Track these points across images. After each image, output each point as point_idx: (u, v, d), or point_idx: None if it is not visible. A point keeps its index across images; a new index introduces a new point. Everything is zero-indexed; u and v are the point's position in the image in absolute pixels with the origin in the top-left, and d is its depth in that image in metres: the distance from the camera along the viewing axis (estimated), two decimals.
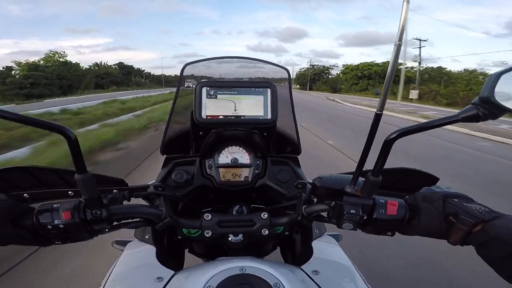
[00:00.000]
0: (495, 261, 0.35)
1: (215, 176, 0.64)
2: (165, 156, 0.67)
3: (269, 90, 0.56)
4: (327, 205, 0.47)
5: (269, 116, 0.56)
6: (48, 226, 0.41)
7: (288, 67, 0.68)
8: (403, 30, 0.32)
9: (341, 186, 0.46)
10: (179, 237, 0.65)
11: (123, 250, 0.69)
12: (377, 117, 0.36)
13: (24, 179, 0.52)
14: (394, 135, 0.37)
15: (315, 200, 0.52)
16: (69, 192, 0.53)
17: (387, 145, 0.37)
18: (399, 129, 0.37)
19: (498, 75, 0.34)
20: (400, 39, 0.32)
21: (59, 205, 0.42)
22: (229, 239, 0.61)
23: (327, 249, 0.59)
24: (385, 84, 0.35)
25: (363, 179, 0.43)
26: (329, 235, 0.66)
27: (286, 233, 0.66)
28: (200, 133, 0.66)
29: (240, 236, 0.61)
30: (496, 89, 0.33)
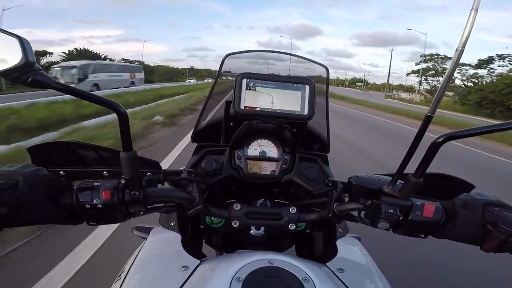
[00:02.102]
0: None
1: (243, 168, 0.64)
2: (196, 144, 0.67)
3: (307, 87, 0.56)
4: (361, 204, 0.47)
5: (306, 112, 0.56)
6: (87, 205, 0.40)
7: None
8: (468, 37, 0.32)
9: (378, 186, 0.46)
10: (201, 226, 0.66)
11: (143, 237, 0.69)
12: (427, 120, 0.36)
13: (63, 155, 0.52)
14: (441, 139, 0.37)
15: (346, 199, 0.53)
16: (104, 172, 0.53)
17: (434, 148, 0.37)
18: (448, 132, 0.37)
19: None
20: (463, 45, 0.32)
21: (99, 183, 0.42)
22: (251, 232, 0.62)
23: (351, 248, 0.59)
24: (441, 87, 0.35)
25: (401, 182, 0.43)
26: (352, 236, 0.66)
27: (308, 230, 0.67)
28: (231, 124, 0.66)
29: (262, 230, 0.62)
30: None
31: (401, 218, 0.44)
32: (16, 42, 0.35)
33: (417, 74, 37.17)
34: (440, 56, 35.54)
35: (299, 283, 0.39)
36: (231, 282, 0.38)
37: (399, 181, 0.43)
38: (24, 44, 0.34)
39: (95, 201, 0.40)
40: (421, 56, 36.20)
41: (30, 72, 0.34)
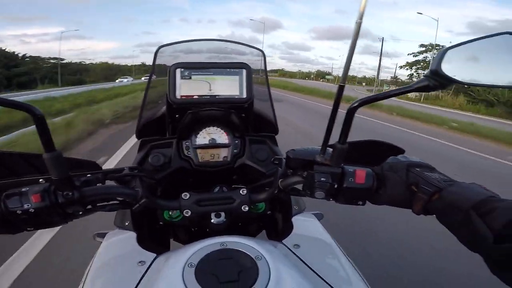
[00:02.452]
0: (454, 228, 0.36)
1: (193, 158, 0.64)
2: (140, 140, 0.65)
3: (244, 71, 0.57)
4: (300, 176, 0.49)
5: (245, 95, 0.57)
6: (18, 211, 0.39)
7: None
8: (364, 9, 0.34)
9: (312, 157, 0.46)
10: (160, 222, 0.65)
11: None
12: (340, 89, 0.39)
13: None
14: (356, 104, 0.40)
15: (290, 173, 0.54)
16: (40, 180, 0.50)
17: (350, 113, 0.40)
18: (360, 98, 0.40)
19: (445, 50, 0.38)
20: (361, 17, 0.34)
21: (27, 188, 0.40)
22: (212, 220, 0.62)
23: (307, 224, 0.61)
24: (347, 60, 0.38)
25: (330, 148, 0.44)
26: (311, 213, 0.68)
27: (269, 212, 0.68)
28: (177, 115, 0.65)
29: (223, 216, 0.61)
30: (443, 62, 0.38)
31: (335, 185, 0.45)
32: None
33: (407, 67, 35.77)
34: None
35: (252, 262, 0.40)
36: (183, 268, 0.39)
37: (330, 150, 0.45)
38: None
39: (25, 206, 0.39)
40: (420, 46, 34.37)
41: None
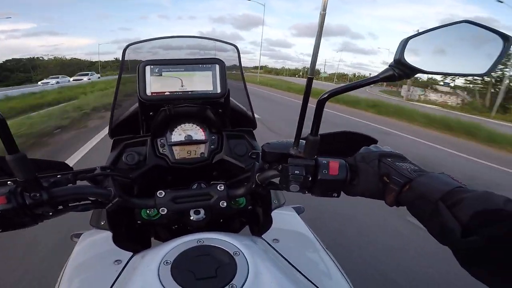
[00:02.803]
0: (424, 219, 0.35)
1: (169, 155, 0.63)
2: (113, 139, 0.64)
3: (217, 66, 0.56)
4: (275, 170, 0.48)
5: (219, 90, 0.56)
6: None
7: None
8: (327, 0, 0.34)
9: (287, 150, 0.46)
10: (138, 221, 0.64)
11: None
12: (309, 81, 0.39)
13: None
14: (325, 95, 0.40)
15: (267, 167, 0.54)
16: (8, 182, 0.48)
17: (320, 105, 0.40)
18: (329, 90, 0.40)
19: (407, 39, 0.39)
20: (324, 8, 0.34)
21: None
22: (191, 218, 0.61)
23: (286, 218, 0.61)
24: (314, 50, 0.38)
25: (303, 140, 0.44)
26: (292, 207, 0.68)
27: (250, 207, 0.67)
28: (151, 113, 0.64)
29: (202, 213, 0.60)
30: (406, 52, 0.38)
31: (310, 178, 0.44)
32: None
33: None
34: None
35: (229, 257, 0.40)
36: (159, 266, 0.38)
37: (302, 142, 0.44)
38: None
39: None
40: None
41: None
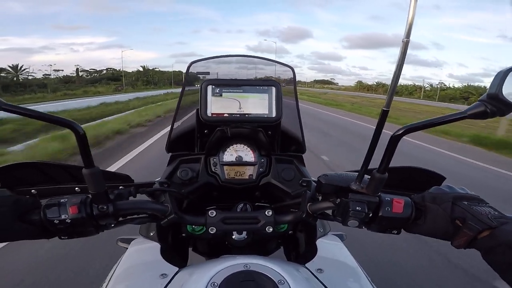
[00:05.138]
0: (502, 267, 0.35)
1: (220, 174, 0.64)
2: (170, 154, 0.67)
3: (273, 89, 0.56)
4: (332, 203, 0.47)
5: (274, 114, 0.56)
6: (55, 221, 0.41)
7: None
8: (411, 27, 0.32)
9: (347, 184, 0.45)
10: (183, 234, 0.65)
11: (126, 248, 0.70)
12: (384, 114, 0.36)
13: (32, 174, 0.53)
14: (400, 131, 0.37)
15: (320, 198, 0.52)
16: (76, 188, 0.54)
17: (394, 141, 0.37)
18: (406, 125, 0.37)
19: (506, 71, 0.34)
20: (408, 36, 0.32)
21: (66, 199, 0.42)
22: (233, 237, 0.61)
23: (331, 248, 0.59)
24: (392, 82, 0.35)
25: (369, 177, 0.42)
26: (333, 234, 0.66)
27: (290, 232, 0.66)
28: (205, 131, 0.66)
29: (244, 234, 0.61)
30: (504, 86, 0.33)
31: (370, 214, 0.43)
32: None
33: None
34: None
35: (274, 286, 0.39)
36: (206, 287, 0.38)
37: (366, 176, 0.43)
38: None
39: (63, 216, 0.41)
40: None
41: None
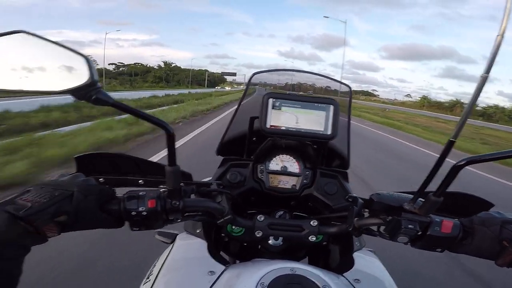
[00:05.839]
0: None
1: (265, 181, 0.68)
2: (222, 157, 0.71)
3: (331, 107, 0.59)
4: (381, 220, 0.50)
5: (329, 132, 0.59)
6: (133, 213, 0.44)
7: None
8: (493, 63, 0.34)
9: (399, 203, 0.49)
10: (222, 234, 0.68)
11: (165, 242, 0.72)
12: (450, 144, 0.39)
13: (103, 164, 0.56)
14: (463, 162, 0.39)
15: (365, 214, 0.56)
16: (140, 181, 0.57)
17: (455, 170, 0.40)
18: (469, 157, 0.40)
19: None
20: (488, 71, 0.34)
21: (144, 193, 0.45)
22: (269, 241, 0.64)
23: (368, 261, 0.62)
24: (465, 113, 0.38)
25: (421, 200, 0.46)
26: (368, 250, 0.69)
27: (324, 243, 0.69)
28: (254, 138, 0.70)
29: (280, 240, 0.64)
30: None
31: (419, 233, 0.46)
32: (82, 61, 0.38)
33: None
34: None
35: None
36: (256, 286, 0.41)
37: (419, 199, 0.46)
38: (90, 63, 0.37)
39: (140, 209, 0.44)
40: None
41: (93, 91, 0.37)
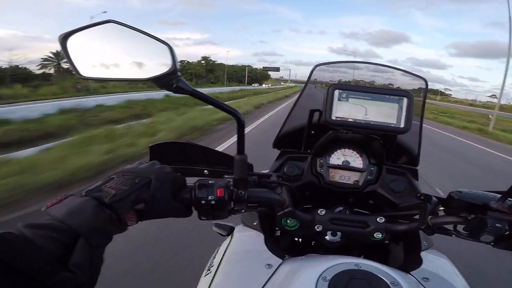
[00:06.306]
0: None
1: (324, 175, 0.65)
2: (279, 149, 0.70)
3: (405, 99, 0.55)
4: (461, 218, 0.47)
5: (402, 125, 0.55)
6: (202, 201, 0.44)
7: None
8: None
9: (483, 202, 0.47)
10: (276, 228, 0.67)
11: (221, 234, 0.73)
12: None
13: (173, 152, 0.58)
14: None
15: (440, 213, 0.52)
16: (205, 171, 0.58)
17: None
18: None
19: None
20: None
21: (213, 182, 0.45)
22: (326, 237, 0.62)
23: (437, 261, 0.58)
24: None
25: (510, 200, 0.44)
26: (437, 251, 0.64)
27: (386, 241, 0.65)
28: (312, 132, 0.67)
29: (338, 236, 0.61)
30: None
31: (507, 232, 0.44)
32: (165, 49, 0.39)
33: None
34: None
35: (386, 287, 0.40)
36: (317, 281, 0.40)
37: (508, 198, 0.45)
38: (173, 51, 0.38)
39: (209, 198, 0.44)
40: None
41: (175, 79, 0.38)
